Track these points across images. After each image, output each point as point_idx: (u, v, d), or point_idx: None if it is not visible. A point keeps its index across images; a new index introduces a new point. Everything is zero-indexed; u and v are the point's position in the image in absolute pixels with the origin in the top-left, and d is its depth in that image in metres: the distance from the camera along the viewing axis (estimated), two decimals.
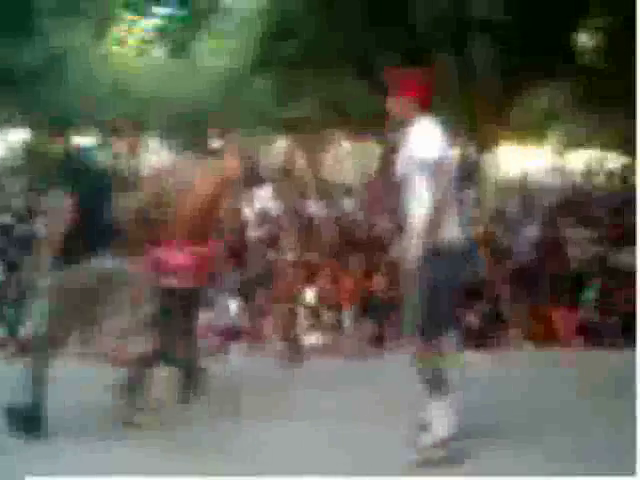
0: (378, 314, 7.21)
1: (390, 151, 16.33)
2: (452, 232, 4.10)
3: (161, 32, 13.54)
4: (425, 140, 4.05)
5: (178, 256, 4.87)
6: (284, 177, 15.82)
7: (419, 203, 4.03)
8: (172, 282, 4.89)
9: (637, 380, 4.22)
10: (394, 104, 4.23)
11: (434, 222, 3.97)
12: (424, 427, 4.23)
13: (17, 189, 13.49)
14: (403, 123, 4.20)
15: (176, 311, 5.02)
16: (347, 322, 7.32)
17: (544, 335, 7.13)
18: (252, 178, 14.77)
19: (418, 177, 4.02)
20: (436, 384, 4.18)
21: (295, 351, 6.65)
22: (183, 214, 4.91)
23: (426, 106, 4.19)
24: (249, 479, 3.92)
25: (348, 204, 12.69)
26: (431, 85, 4.35)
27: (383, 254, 8.40)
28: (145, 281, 4.85)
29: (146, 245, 4.90)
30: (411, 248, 4.05)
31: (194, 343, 5.36)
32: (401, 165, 4.23)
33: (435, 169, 3.97)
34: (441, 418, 4.17)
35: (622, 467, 3.81)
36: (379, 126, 15.19)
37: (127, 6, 15.31)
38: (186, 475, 3.95)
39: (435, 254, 3.99)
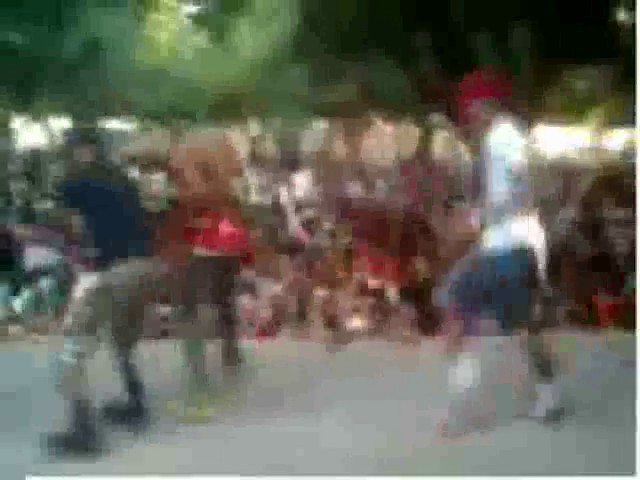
0: (421, 297, 7.20)
1: (427, 135, 16.33)
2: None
3: (199, 18, 13.58)
4: (506, 141, 4.19)
5: (226, 227, 4.98)
6: (323, 161, 15.79)
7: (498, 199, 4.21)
8: (222, 250, 5.00)
9: (637, 380, 4.22)
10: (476, 106, 4.32)
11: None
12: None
13: (59, 176, 13.58)
14: (485, 124, 4.31)
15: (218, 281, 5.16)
16: (391, 305, 7.33)
17: (588, 319, 7.11)
18: (290, 162, 14.80)
19: (497, 176, 4.17)
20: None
21: (339, 335, 6.70)
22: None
23: (505, 107, 4.29)
24: (251, 479, 3.96)
25: (386, 187, 12.64)
26: (510, 87, 4.50)
27: (424, 236, 8.40)
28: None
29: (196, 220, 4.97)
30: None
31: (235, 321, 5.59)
32: (482, 163, 4.33)
33: (514, 170, 4.15)
34: (467, 371, 4.33)
35: None
36: (417, 110, 15.16)
37: None
38: (194, 474, 4.00)
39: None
